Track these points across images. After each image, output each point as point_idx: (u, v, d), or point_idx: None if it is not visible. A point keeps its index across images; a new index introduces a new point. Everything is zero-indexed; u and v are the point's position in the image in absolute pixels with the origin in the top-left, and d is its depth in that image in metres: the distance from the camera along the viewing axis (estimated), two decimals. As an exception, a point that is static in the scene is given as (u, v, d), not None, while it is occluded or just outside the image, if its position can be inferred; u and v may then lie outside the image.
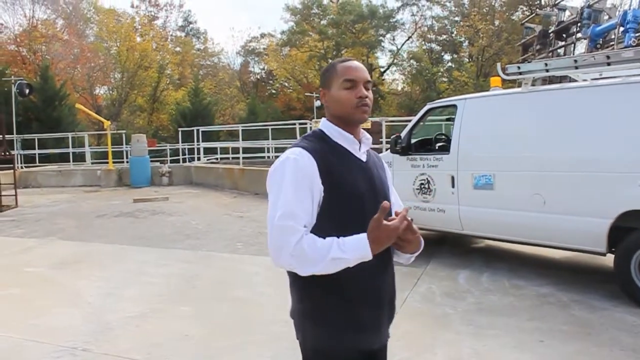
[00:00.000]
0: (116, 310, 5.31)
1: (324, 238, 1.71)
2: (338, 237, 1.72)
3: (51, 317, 5.14)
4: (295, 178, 1.75)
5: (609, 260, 5.51)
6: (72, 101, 29.03)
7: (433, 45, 41.82)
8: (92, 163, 22.26)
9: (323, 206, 1.78)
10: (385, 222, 1.69)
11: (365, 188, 1.86)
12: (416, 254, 1.97)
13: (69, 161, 20.92)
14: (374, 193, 1.87)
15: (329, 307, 1.82)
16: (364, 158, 1.94)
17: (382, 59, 44.78)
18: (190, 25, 48.17)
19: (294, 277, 1.86)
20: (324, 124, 1.94)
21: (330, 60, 40.17)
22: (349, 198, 1.81)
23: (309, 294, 1.84)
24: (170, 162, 21.37)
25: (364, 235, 1.70)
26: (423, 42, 42.09)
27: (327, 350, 1.84)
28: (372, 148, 2.02)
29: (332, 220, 1.77)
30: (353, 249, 1.69)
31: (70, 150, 20.94)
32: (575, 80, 6.55)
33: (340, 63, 1.92)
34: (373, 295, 1.88)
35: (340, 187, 1.80)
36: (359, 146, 1.93)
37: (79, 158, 22.83)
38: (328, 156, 1.82)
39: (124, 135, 22.16)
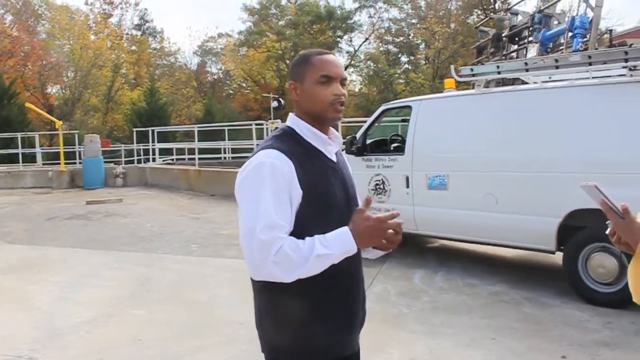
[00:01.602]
0: (67, 315, 5.17)
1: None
2: None
3: (-3, 324, 4.97)
4: (274, 184, 1.62)
5: (559, 258, 5.67)
6: (22, 100, 28.10)
7: (390, 47, 42.20)
8: (43, 164, 21.61)
9: (299, 211, 1.67)
10: (373, 214, 1.63)
11: (338, 191, 1.78)
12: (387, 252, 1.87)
13: (19, 162, 20.29)
14: (347, 195, 1.81)
15: (306, 309, 1.72)
16: (334, 159, 1.85)
17: (340, 60, 44.88)
18: (147, 24, 47.31)
19: (262, 284, 1.71)
20: (293, 121, 1.81)
21: (288, 61, 40.24)
22: (324, 202, 1.72)
23: (280, 296, 1.72)
24: (125, 163, 20.94)
25: (344, 228, 1.63)
26: (380, 44, 42.44)
27: (299, 357, 1.75)
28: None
29: (306, 225, 1.66)
30: (336, 243, 1.61)
31: (20, 150, 20.28)
32: (527, 83, 6.71)
33: (317, 55, 1.79)
34: (351, 297, 1.82)
35: (317, 192, 1.70)
36: (331, 146, 1.83)
37: (29, 159, 22.14)
38: (303, 159, 1.71)
39: (76, 136, 21.56)
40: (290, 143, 1.73)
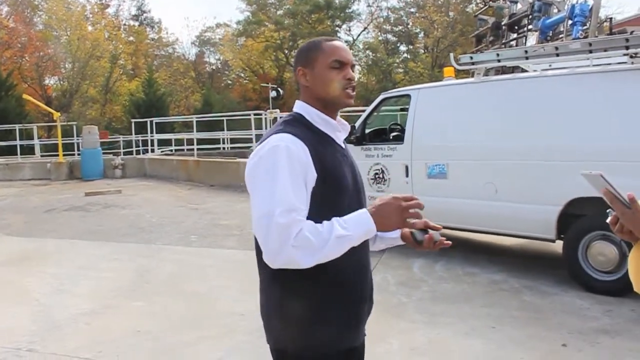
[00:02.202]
0: (66, 307, 5.16)
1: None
2: None
3: (-4, 316, 4.96)
4: (291, 167, 1.60)
5: (559, 246, 5.65)
6: (20, 92, 28.00)
7: (389, 36, 42.05)
8: (42, 156, 21.56)
9: (313, 195, 1.65)
10: (396, 196, 1.62)
11: (349, 177, 1.77)
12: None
13: (17, 154, 20.24)
14: (355, 182, 1.79)
15: (317, 301, 1.69)
16: (343, 146, 1.85)
17: (345, 48, 44.92)
18: (144, 14, 47.10)
19: (273, 273, 1.68)
20: (302, 108, 1.80)
21: (286, 51, 40.11)
22: (338, 187, 1.71)
23: (291, 287, 1.69)
24: (124, 154, 20.90)
25: (363, 210, 1.62)
26: (379, 33, 42.27)
27: (307, 351, 1.71)
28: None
29: (320, 210, 1.63)
30: (356, 224, 1.59)
31: (18, 142, 20.22)
32: (526, 71, 6.67)
33: (327, 42, 1.79)
34: (359, 288, 1.79)
35: (331, 176, 1.69)
36: (340, 133, 1.83)
37: (28, 151, 22.08)
38: (315, 144, 1.69)
39: (74, 127, 21.50)
40: (301, 128, 1.72)
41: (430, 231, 1.77)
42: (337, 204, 1.68)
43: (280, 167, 1.60)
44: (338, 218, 1.60)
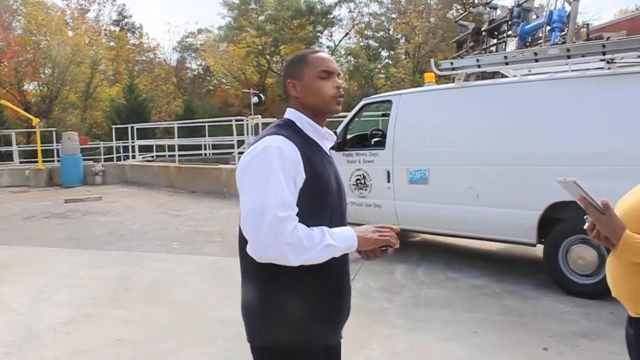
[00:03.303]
0: (44, 316, 5.08)
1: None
2: None
3: (-28, 326, 4.87)
4: (283, 166, 1.68)
5: (539, 250, 5.70)
6: (-2, 97, 27.67)
7: (370, 41, 42.13)
8: (21, 162, 21.29)
9: (299, 197, 1.72)
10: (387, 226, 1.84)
11: (332, 182, 1.85)
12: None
13: (-5, 160, 19.98)
14: (338, 188, 1.88)
15: (298, 301, 1.76)
16: (329, 153, 1.94)
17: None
18: (125, 20, 46.77)
19: (258, 270, 1.75)
20: (293, 115, 1.89)
21: (268, 57, 40.07)
22: (324, 190, 1.79)
23: (274, 286, 1.75)
24: (104, 161, 20.69)
25: (350, 228, 1.77)
26: (360, 39, 42.35)
27: (285, 347, 1.77)
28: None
29: (304, 212, 1.70)
30: (343, 239, 1.73)
31: (-4, 149, 20.00)
32: (506, 76, 6.73)
33: (312, 54, 1.90)
34: (339, 290, 1.88)
35: (318, 179, 1.77)
36: (327, 141, 1.93)
37: (6, 157, 21.84)
38: (305, 148, 1.78)
39: (54, 133, 21.24)
40: (292, 133, 1.81)
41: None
42: (321, 207, 1.78)
43: (273, 164, 1.68)
44: (327, 228, 1.72)
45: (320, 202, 1.77)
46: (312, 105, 1.86)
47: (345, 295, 1.91)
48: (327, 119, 1.97)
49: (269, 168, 1.67)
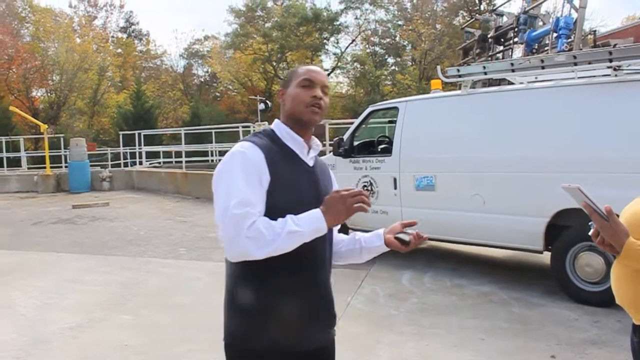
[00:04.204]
0: (52, 321, 5.10)
1: None
2: None
3: (-19, 331, 4.89)
4: (244, 168, 1.74)
5: (546, 257, 5.69)
6: (7, 104, 27.89)
7: (377, 48, 42.18)
8: (29, 168, 21.44)
9: (267, 201, 1.76)
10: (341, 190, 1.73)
11: (308, 191, 1.86)
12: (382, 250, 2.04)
13: (3, 166, 20.07)
14: (317, 199, 1.81)
15: (263, 299, 1.80)
16: (310, 163, 1.93)
17: (327, 62, 44.71)
18: (132, 27, 47.09)
19: (231, 270, 1.84)
20: (275, 124, 1.94)
21: (274, 63, 40.18)
22: (291, 199, 1.79)
23: (241, 282, 1.83)
24: (112, 167, 20.78)
25: (316, 209, 1.73)
26: (367, 46, 42.40)
27: (243, 343, 1.83)
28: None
29: (274, 211, 1.74)
30: (307, 222, 1.70)
31: (5, 155, 20.10)
32: (513, 83, 6.74)
33: (303, 66, 1.95)
34: (305, 290, 1.87)
35: (284, 183, 1.79)
36: (307, 150, 1.92)
37: (14, 163, 21.94)
38: (275, 155, 1.82)
39: (62, 139, 21.37)
40: (266, 140, 1.85)
41: (409, 229, 1.97)
42: (294, 209, 1.75)
43: (235, 168, 1.75)
44: (292, 216, 1.71)
45: (289, 208, 1.76)
46: (289, 112, 1.90)
47: (310, 298, 1.88)
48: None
49: (232, 171, 1.75)
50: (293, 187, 1.82)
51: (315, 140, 1.97)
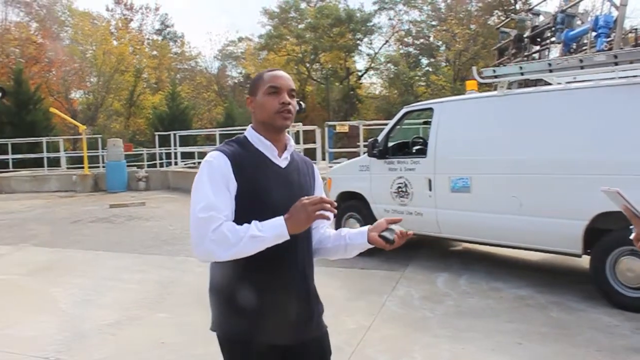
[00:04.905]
0: (91, 318, 5.22)
1: None
2: None
3: (23, 326, 5.03)
4: (211, 176, 1.86)
5: (585, 261, 5.57)
6: (47, 105, 28.54)
7: (410, 49, 41.92)
8: (68, 168, 21.90)
9: (236, 204, 1.87)
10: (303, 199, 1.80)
11: (279, 193, 1.92)
12: (362, 250, 2.09)
13: (44, 166, 20.58)
14: (292, 198, 1.85)
15: (233, 290, 1.92)
16: (283, 164, 2.01)
17: (360, 63, 44.73)
18: (167, 29, 47.74)
19: (211, 266, 2.02)
20: (248, 130, 2.04)
21: (308, 64, 40.29)
22: (259, 198, 1.89)
23: (220, 275, 1.96)
24: (147, 167, 21.11)
25: (279, 217, 1.81)
26: (400, 46, 42.20)
27: (222, 336, 2.01)
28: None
29: (243, 219, 1.83)
30: (269, 228, 1.78)
31: (45, 155, 20.59)
32: (550, 84, 6.62)
33: (268, 72, 2.03)
34: (279, 283, 1.94)
35: (252, 187, 1.89)
36: (277, 152, 1.99)
37: (54, 163, 22.44)
38: (243, 160, 1.92)
39: (99, 140, 21.79)
40: (235, 147, 1.97)
41: (394, 226, 1.97)
42: (260, 215, 1.83)
43: (203, 176, 1.87)
44: (257, 222, 1.80)
45: (258, 210, 1.85)
46: (261, 120, 1.99)
47: (282, 294, 1.95)
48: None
49: (200, 180, 1.88)
50: (262, 190, 1.91)
51: (290, 141, 2.06)
